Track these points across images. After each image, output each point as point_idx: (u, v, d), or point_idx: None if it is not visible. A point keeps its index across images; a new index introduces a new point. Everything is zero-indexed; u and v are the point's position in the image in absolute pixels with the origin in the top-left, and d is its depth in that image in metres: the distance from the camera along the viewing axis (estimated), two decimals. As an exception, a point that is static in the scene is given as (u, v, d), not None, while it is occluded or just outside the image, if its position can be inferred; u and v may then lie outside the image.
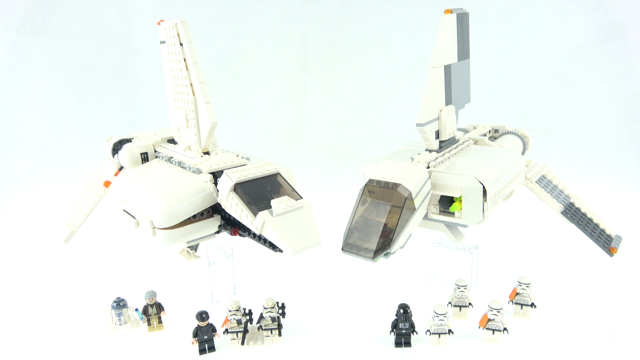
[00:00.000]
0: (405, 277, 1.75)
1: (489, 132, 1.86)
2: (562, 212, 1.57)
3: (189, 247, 1.52)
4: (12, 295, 1.72)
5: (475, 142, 1.68)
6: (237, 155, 1.46)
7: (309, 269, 1.84)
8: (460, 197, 1.32)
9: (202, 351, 1.38)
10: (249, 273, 1.80)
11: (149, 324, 1.48)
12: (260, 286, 1.73)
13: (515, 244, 2.01)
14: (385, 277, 1.76)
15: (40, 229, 2.25)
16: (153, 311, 1.48)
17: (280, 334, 1.42)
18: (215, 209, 1.36)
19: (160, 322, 1.49)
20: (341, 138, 3.19)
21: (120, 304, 1.48)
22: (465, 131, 1.83)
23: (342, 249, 1.25)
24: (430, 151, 1.47)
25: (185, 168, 1.43)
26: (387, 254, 1.23)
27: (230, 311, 1.38)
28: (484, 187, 1.29)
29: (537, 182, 1.61)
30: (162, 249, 1.90)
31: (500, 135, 1.86)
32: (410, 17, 3.16)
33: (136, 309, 1.49)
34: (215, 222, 1.37)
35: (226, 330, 1.39)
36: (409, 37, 3.17)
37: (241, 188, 1.24)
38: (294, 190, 1.32)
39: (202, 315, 1.35)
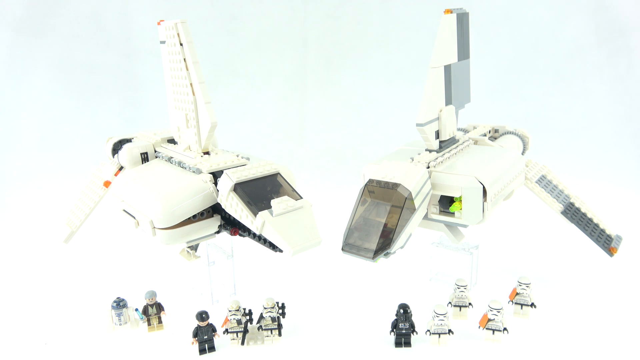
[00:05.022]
0: (405, 277, 1.75)
1: (489, 132, 1.86)
2: (562, 212, 1.57)
3: (189, 247, 1.52)
4: (12, 295, 1.72)
5: (475, 142, 1.68)
6: (237, 155, 1.46)
7: (309, 269, 1.84)
8: (460, 197, 1.32)
9: (202, 351, 1.38)
10: (249, 273, 1.80)
11: (149, 324, 1.48)
12: (260, 286, 1.73)
13: (515, 244, 2.01)
14: (385, 277, 1.76)
15: (40, 229, 2.26)
16: (153, 311, 1.48)
17: (280, 334, 1.42)
18: (215, 209, 1.36)
19: (160, 322, 1.49)
20: (341, 138, 3.19)
21: (120, 304, 1.48)
22: (465, 131, 1.83)
23: (342, 249, 1.25)
24: (430, 151, 1.47)
25: (185, 168, 1.43)
26: (387, 254, 1.23)
27: (230, 311, 1.38)
28: (484, 187, 1.29)
29: (537, 182, 1.61)
30: (162, 249, 1.90)
31: (500, 135, 1.86)
32: (410, 17, 3.16)
33: (136, 309, 1.49)
34: (215, 222, 1.37)
35: (226, 330, 1.39)
36: (409, 37, 3.17)
37: (241, 188, 1.24)
38: (294, 190, 1.31)
39: (202, 315, 1.35)
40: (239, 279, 1.68)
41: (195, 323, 1.35)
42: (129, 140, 1.68)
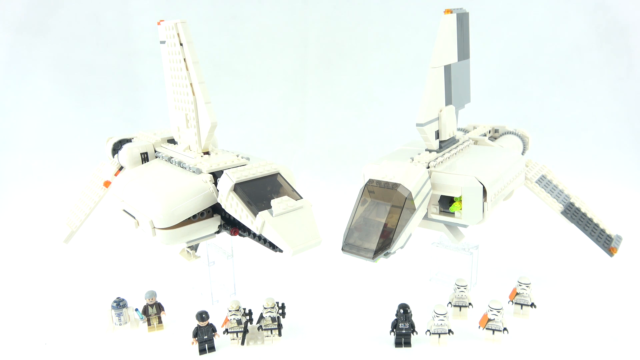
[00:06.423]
0: (405, 277, 1.76)
1: (489, 132, 1.86)
2: (562, 212, 1.57)
3: (189, 247, 1.52)
4: (12, 295, 1.72)
5: (475, 142, 1.68)
6: (237, 155, 1.46)
7: (309, 269, 1.84)
8: (460, 197, 1.32)
9: (202, 351, 1.38)
10: (249, 273, 1.80)
11: (149, 324, 1.48)
12: (260, 286, 1.73)
13: (515, 244, 2.01)
14: (385, 277, 1.76)
15: (40, 229, 2.25)
16: (153, 311, 1.48)
17: (280, 334, 1.42)
18: (215, 209, 1.36)
19: (160, 322, 1.49)
20: (341, 138, 3.19)
21: (120, 304, 1.49)
22: (465, 131, 1.83)
23: (342, 249, 1.25)
24: (430, 151, 1.47)
25: (185, 168, 1.43)
26: (387, 254, 1.23)
27: (230, 311, 1.38)
28: (484, 187, 1.29)
29: (537, 182, 1.61)
30: (162, 249, 1.90)
31: (500, 135, 1.86)
32: (410, 17, 3.16)
33: (136, 309, 1.49)
34: (215, 222, 1.37)
35: (226, 330, 1.39)
36: (409, 37, 3.17)
37: (241, 188, 1.24)
38: (294, 190, 1.32)
39: (202, 315, 1.35)
40: (239, 279, 1.68)
41: (195, 323, 1.35)
42: (129, 140, 1.68)
